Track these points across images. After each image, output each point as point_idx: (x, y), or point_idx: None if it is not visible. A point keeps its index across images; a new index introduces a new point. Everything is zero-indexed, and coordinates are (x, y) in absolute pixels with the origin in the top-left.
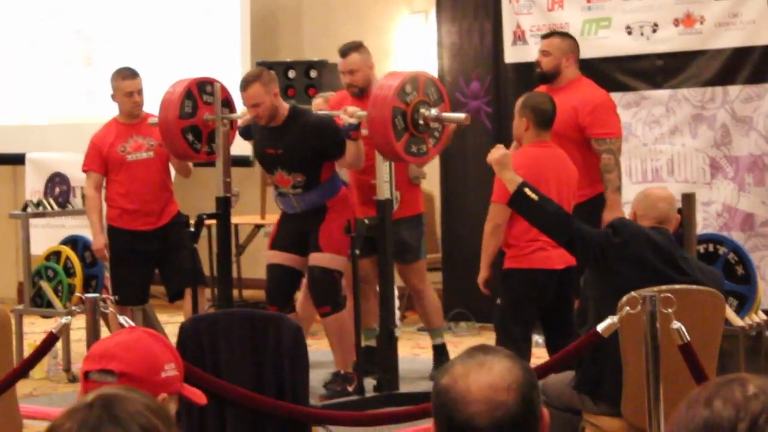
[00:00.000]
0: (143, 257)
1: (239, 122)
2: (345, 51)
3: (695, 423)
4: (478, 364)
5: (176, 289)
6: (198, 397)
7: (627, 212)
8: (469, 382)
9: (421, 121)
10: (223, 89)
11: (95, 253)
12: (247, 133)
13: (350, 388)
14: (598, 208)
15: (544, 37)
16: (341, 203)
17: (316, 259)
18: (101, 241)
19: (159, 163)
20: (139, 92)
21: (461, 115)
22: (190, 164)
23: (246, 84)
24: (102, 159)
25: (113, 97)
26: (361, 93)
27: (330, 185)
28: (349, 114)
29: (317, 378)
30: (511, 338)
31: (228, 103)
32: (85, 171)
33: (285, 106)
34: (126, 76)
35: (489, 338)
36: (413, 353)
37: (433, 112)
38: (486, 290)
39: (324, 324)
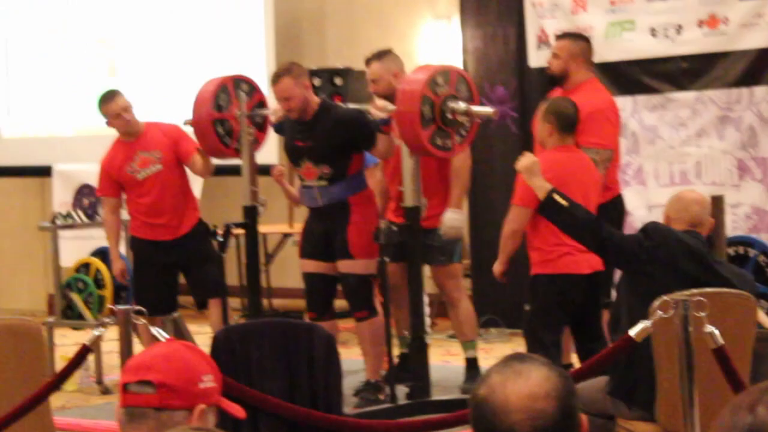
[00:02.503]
0: (164, 267)
1: (272, 119)
2: (367, 61)
3: (739, 428)
4: (515, 372)
5: (200, 299)
6: (237, 410)
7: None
8: (508, 392)
9: (449, 115)
10: (258, 91)
11: (115, 277)
12: (281, 130)
13: (382, 397)
14: (609, 212)
15: (558, 38)
16: (364, 202)
17: (348, 266)
18: (118, 266)
19: (171, 173)
20: (125, 110)
21: (490, 110)
22: (211, 162)
23: (276, 78)
24: (113, 182)
25: (107, 124)
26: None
27: (355, 180)
28: (379, 108)
29: (347, 386)
30: (541, 344)
31: (261, 106)
32: (98, 196)
33: (316, 100)
34: (105, 100)
35: (519, 344)
36: (444, 360)
37: (462, 105)
38: (502, 278)
39: (358, 329)
